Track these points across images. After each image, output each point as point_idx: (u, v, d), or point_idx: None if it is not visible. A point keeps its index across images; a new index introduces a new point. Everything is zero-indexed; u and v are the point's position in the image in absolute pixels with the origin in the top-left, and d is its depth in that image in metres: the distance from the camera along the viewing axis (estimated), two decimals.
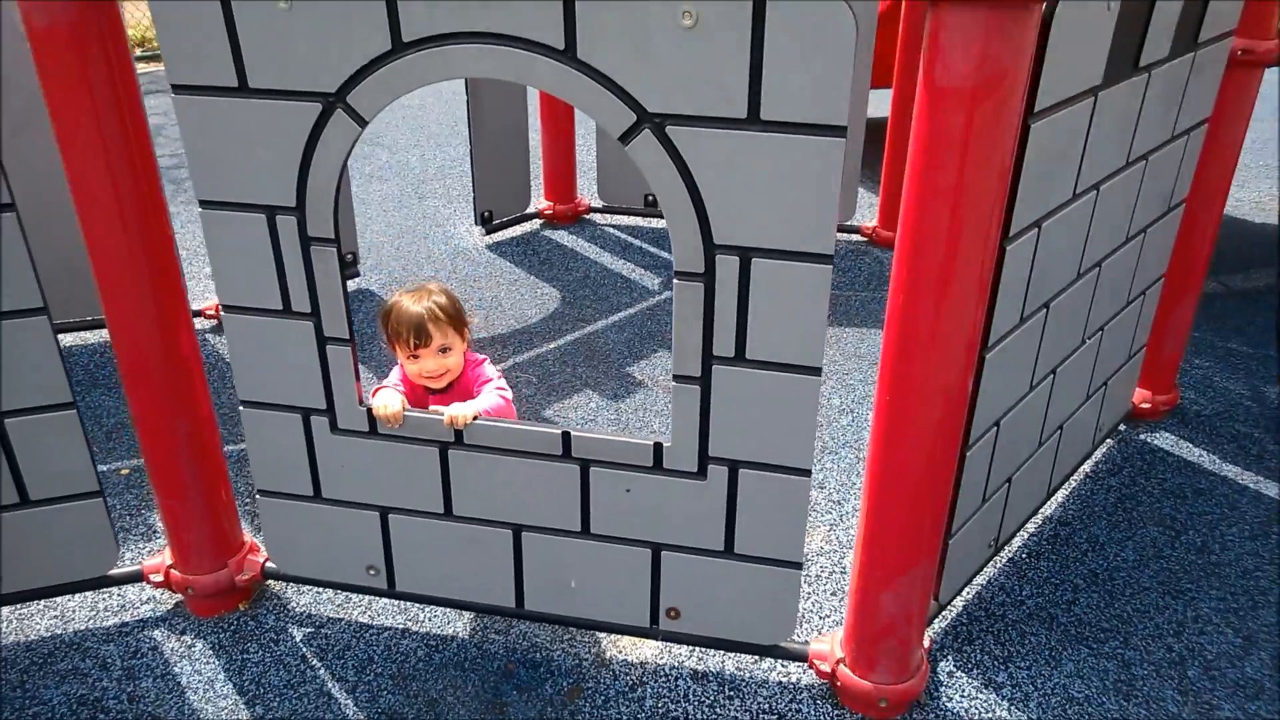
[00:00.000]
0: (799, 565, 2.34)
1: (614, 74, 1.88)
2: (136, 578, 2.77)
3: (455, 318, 2.54)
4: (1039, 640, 2.64)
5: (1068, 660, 2.58)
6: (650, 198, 5.23)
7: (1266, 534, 3.04)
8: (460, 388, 2.59)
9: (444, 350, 2.51)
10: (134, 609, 2.77)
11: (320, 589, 2.81)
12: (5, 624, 2.71)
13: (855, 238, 5.13)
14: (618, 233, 5.30)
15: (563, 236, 5.26)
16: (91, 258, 2.30)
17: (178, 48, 2.04)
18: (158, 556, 2.79)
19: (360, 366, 2.39)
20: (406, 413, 2.37)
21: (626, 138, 1.94)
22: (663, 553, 2.40)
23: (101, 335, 4.16)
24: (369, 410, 2.38)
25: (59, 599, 2.79)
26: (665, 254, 5.01)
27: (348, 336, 2.30)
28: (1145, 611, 2.74)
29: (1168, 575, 2.88)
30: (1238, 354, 4.07)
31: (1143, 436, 3.51)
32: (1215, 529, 3.06)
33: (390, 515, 2.52)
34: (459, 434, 2.36)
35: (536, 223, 5.40)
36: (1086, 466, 3.33)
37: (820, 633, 2.65)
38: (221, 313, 2.37)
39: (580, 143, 5.47)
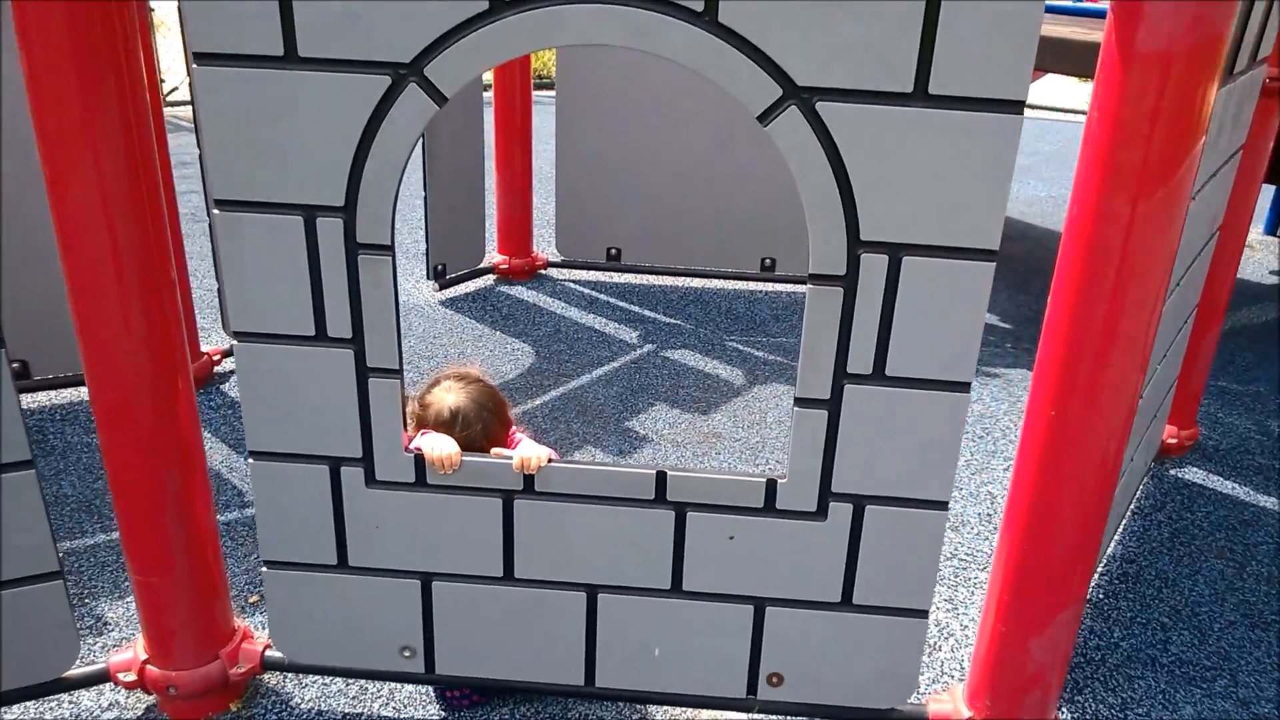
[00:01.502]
0: (925, 614, 2.06)
1: (760, 41, 1.63)
2: (100, 679, 2.25)
3: (497, 409, 2.23)
4: (1148, 684, 2.44)
5: (1184, 704, 2.38)
6: (613, 251, 4.99)
7: None
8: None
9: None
10: (92, 719, 2.24)
11: (328, 679, 2.35)
12: None
13: None
14: (580, 288, 5.01)
15: (521, 292, 4.94)
16: (66, 264, 1.86)
17: (208, 7, 1.68)
18: (125, 651, 2.27)
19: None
20: (466, 458, 2.00)
21: (767, 116, 1.68)
22: (767, 609, 2.08)
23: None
24: (417, 456, 2.00)
25: None
26: (635, 308, 4.74)
27: (397, 367, 1.93)
28: (1240, 646, 2.59)
29: (1247, 608, 2.74)
30: (1230, 391, 4.08)
31: (1173, 472, 3.41)
32: (1276, 559, 2.95)
33: (434, 582, 2.12)
34: (529, 480, 2.01)
35: (490, 278, 5.06)
36: (1131, 504, 3.20)
37: (932, 692, 2.36)
38: (234, 342, 1.96)
39: (538, 194, 5.20)
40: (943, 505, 1.94)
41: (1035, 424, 1.87)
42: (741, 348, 4.34)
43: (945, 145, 1.66)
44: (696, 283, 5.09)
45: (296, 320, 1.91)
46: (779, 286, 5.01)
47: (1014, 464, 1.97)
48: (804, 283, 5.11)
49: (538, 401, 3.81)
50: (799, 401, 1.88)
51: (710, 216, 4.83)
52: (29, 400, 3.59)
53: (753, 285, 5.04)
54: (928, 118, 1.64)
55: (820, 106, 1.66)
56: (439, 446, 1.99)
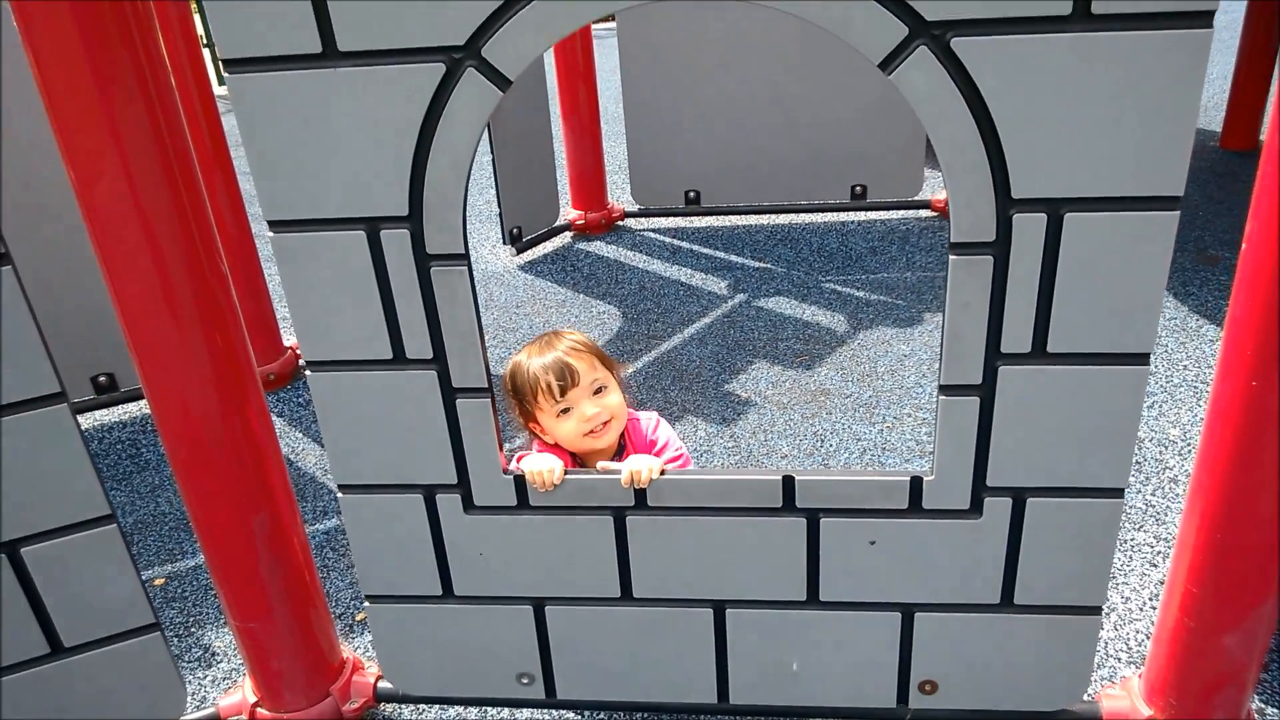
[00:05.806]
0: (1099, 610, 1.81)
1: None
2: None
3: (598, 352, 2.02)
4: None
5: None
6: (692, 194, 4.70)
7: None
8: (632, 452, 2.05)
9: (599, 390, 1.96)
10: None
11: (448, 706, 2.23)
12: None
13: (925, 213, 4.64)
14: (660, 237, 4.76)
15: (600, 247, 4.71)
16: (107, 277, 1.69)
17: (233, 7, 1.47)
18: (234, 693, 2.18)
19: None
20: (570, 475, 1.81)
21: (891, 61, 1.40)
22: (916, 615, 1.86)
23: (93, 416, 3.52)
24: (518, 478, 1.82)
25: None
26: (721, 254, 4.48)
27: (485, 385, 1.74)
28: None
29: None
30: None
31: None
32: None
33: (548, 607, 1.95)
34: (640, 494, 1.81)
35: (567, 236, 4.84)
36: None
37: (1107, 683, 2.12)
38: (308, 372, 1.78)
39: (605, 138, 4.93)
40: (1118, 493, 1.68)
41: (1230, 390, 1.59)
42: (840, 288, 4.05)
43: (1114, 76, 1.35)
44: (783, 219, 4.78)
45: (371, 344, 1.72)
46: (872, 215, 4.67)
47: (1203, 432, 1.69)
48: (899, 208, 4.79)
49: (631, 369, 3.61)
50: (944, 389, 1.63)
51: (792, 146, 4.50)
52: (120, 412, 3.54)
53: (844, 216, 4.71)
54: (1091, 44, 1.34)
55: (956, 43, 1.37)
56: (542, 467, 1.80)
